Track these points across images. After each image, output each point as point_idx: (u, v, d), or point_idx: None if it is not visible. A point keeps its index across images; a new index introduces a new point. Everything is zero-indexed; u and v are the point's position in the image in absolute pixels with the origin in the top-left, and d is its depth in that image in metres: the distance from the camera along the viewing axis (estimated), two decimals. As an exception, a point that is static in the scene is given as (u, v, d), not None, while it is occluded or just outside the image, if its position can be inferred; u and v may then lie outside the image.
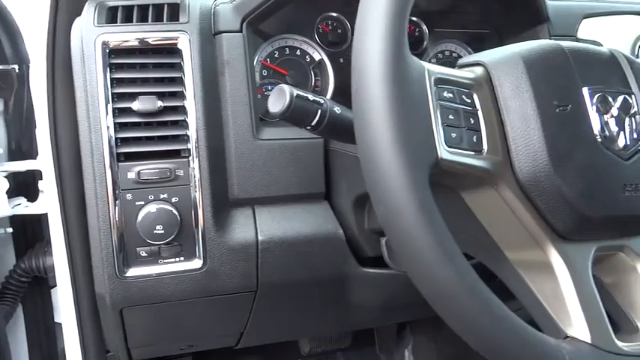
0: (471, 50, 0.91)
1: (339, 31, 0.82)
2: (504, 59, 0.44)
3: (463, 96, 0.42)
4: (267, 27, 0.76)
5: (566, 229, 0.42)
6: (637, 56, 0.87)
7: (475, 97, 0.42)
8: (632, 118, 0.44)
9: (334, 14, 0.82)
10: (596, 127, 0.43)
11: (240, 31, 0.67)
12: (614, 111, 0.44)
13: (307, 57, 0.80)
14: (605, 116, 0.43)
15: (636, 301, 0.46)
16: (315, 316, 0.77)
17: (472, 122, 0.41)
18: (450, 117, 0.40)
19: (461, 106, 0.41)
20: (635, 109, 0.45)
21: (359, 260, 0.70)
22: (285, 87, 0.48)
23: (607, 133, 0.43)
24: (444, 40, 0.90)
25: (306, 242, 0.66)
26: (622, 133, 0.44)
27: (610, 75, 0.46)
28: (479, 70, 0.44)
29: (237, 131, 0.64)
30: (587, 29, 0.84)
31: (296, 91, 0.48)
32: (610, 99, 0.44)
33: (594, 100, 0.43)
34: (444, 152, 0.38)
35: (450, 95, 0.40)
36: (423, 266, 0.36)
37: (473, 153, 0.40)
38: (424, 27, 0.87)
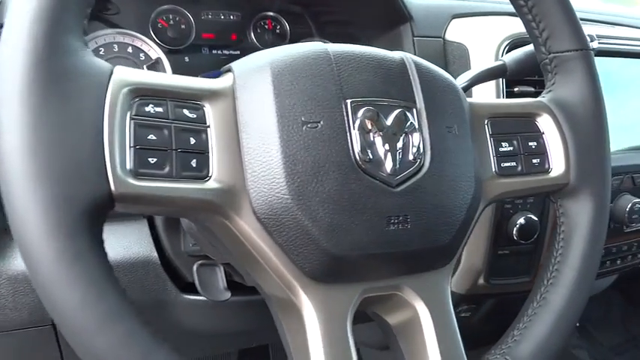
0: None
1: (183, 26, 0.74)
2: (253, 66, 0.36)
3: (184, 110, 0.34)
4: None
5: (314, 270, 0.35)
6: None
7: (208, 110, 0.35)
8: (408, 137, 0.38)
9: (175, 7, 0.73)
10: (356, 149, 0.36)
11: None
12: (384, 128, 0.37)
13: (141, 55, 0.71)
14: (370, 135, 0.37)
15: (413, 350, 0.40)
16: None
17: (193, 142, 0.33)
18: (151, 137, 0.32)
19: (175, 123, 0.33)
20: (415, 125, 0.38)
21: (182, 285, 0.63)
22: None
23: (371, 155, 0.36)
24: (307, 40, 0.82)
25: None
26: (390, 155, 0.37)
27: (389, 85, 0.39)
28: (227, 79, 0.37)
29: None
30: (457, 30, 0.78)
31: None
32: (381, 114, 0.37)
33: (358, 116, 0.36)
34: (126, 182, 0.30)
35: (159, 110, 0.32)
36: (68, 329, 0.28)
37: (185, 179, 0.32)
38: (286, 24, 0.80)
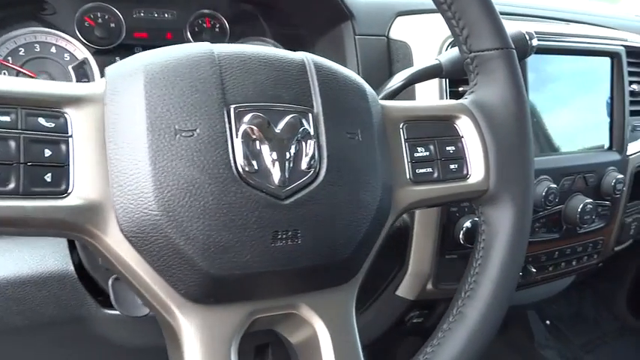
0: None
1: (112, 25, 0.70)
2: (126, 70, 0.33)
3: (40, 119, 0.30)
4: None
5: (191, 292, 0.32)
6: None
7: (70, 118, 0.31)
8: (301, 145, 0.35)
9: (103, 4, 0.69)
10: (238, 159, 0.33)
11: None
12: (273, 136, 0.34)
13: (66, 55, 0.67)
14: (256, 144, 0.34)
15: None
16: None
17: (48, 154, 0.30)
18: None
19: (25, 133, 0.29)
20: (309, 131, 0.36)
21: (106, 300, 0.59)
22: None
23: (256, 166, 0.33)
24: (250, 38, 0.79)
25: (19, 284, 0.54)
26: (278, 165, 0.34)
27: (283, 89, 0.36)
28: (99, 85, 0.34)
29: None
30: (401, 28, 0.75)
31: None
32: (270, 121, 0.34)
33: (243, 122, 0.34)
34: None
35: (5, 119, 0.29)
36: None
37: (36, 196, 0.29)
38: (225, 23, 0.77)
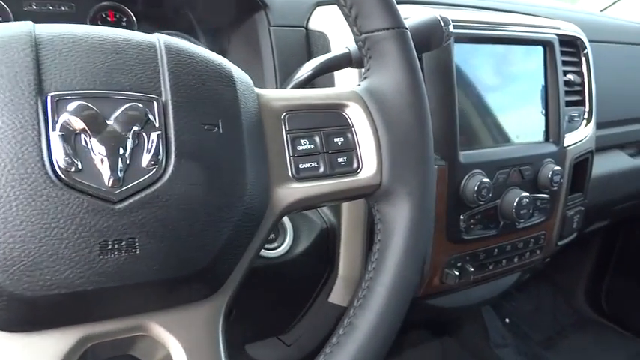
0: (202, 44, 0.76)
1: (0, 19, 0.64)
2: None
3: None
4: None
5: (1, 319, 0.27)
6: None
7: None
8: (142, 138, 0.30)
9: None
10: (56, 156, 0.28)
11: None
12: (103, 129, 0.29)
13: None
14: (80, 138, 0.29)
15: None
16: None
17: None
18: None
19: None
20: (154, 123, 0.30)
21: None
22: None
23: (80, 164, 0.28)
24: (162, 32, 0.74)
25: None
26: (108, 162, 0.29)
27: (123, 74, 0.31)
28: None
29: None
30: (320, 19, 0.71)
31: None
32: (101, 111, 0.29)
33: (64, 113, 0.28)
34: None
35: None
36: None
37: None
38: (132, 16, 0.71)
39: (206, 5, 0.70)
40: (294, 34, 0.69)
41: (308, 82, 0.57)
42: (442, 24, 0.57)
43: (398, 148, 0.39)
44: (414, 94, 0.40)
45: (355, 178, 0.39)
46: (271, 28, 0.67)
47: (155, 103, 0.31)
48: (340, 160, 0.39)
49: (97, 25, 0.69)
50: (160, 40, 0.34)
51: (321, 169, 0.38)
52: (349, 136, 0.40)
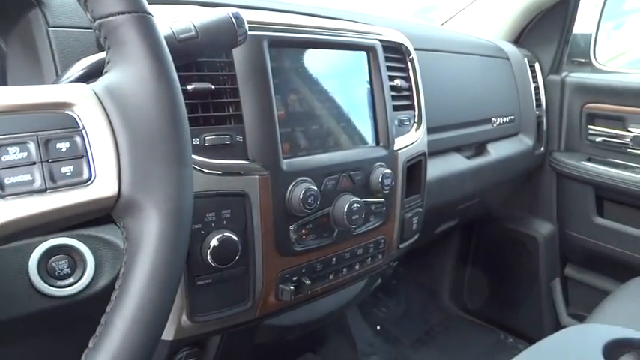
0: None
1: None
2: None
3: None
4: None
5: None
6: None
7: None
8: None
9: None
10: None
11: None
12: None
13: None
14: None
15: None
16: None
17: None
18: None
19: None
20: None
21: None
22: None
23: None
24: None
25: None
26: None
27: None
28: None
29: None
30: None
31: None
32: None
33: None
34: None
35: None
36: None
37: None
38: None
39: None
40: (83, 36, 0.61)
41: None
42: (235, 23, 0.53)
43: (141, 150, 0.33)
44: (160, 86, 0.34)
45: (85, 191, 0.32)
46: (50, 29, 0.58)
47: None
48: (65, 170, 0.32)
49: None
50: None
51: (37, 183, 0.31)
52: (77, 140, 0.33)
